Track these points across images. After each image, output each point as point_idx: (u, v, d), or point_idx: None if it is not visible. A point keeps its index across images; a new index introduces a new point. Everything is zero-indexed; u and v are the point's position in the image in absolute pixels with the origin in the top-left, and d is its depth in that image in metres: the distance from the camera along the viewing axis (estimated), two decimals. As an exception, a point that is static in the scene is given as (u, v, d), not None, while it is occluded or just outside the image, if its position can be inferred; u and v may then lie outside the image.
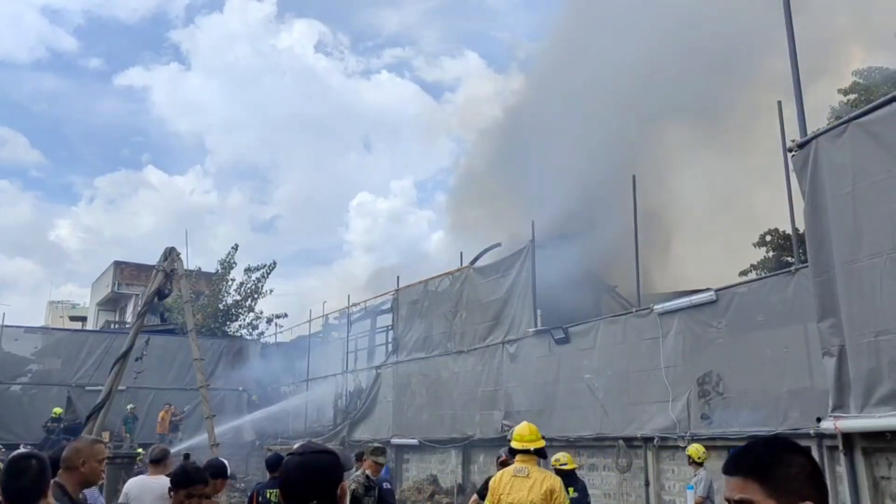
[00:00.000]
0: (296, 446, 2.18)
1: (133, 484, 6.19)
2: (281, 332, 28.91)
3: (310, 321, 25.70)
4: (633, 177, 12.89)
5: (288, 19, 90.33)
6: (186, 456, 8.01)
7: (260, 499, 6.73)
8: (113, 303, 37.91)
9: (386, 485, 6.98)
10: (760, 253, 19.91)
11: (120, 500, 6.08)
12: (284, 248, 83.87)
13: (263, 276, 29.93)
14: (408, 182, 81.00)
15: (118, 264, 36.26)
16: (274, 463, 7.03)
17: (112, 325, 35.17)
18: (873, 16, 16.96)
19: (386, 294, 20.88)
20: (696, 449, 9.26)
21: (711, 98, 17.64)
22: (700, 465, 9.13)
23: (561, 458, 8.26)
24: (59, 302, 48.01)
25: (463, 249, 17.94)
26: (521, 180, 21.04)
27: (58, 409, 21.63)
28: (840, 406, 7.08)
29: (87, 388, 22.36)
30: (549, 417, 13.05)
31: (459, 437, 15.89)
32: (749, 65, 16.79)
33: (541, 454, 5.74)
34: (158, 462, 6.24)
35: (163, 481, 5.99)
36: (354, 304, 22.57)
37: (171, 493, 4.31)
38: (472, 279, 16.73)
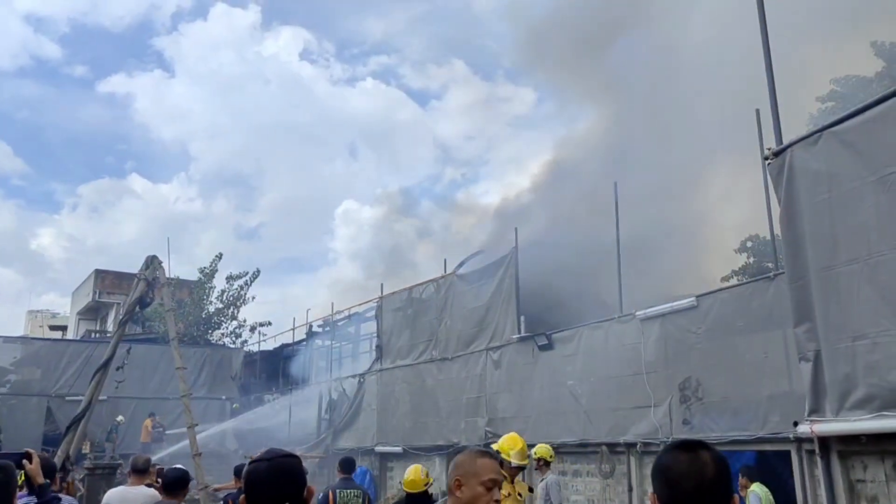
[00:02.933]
0: (259, 453, 2.23)
1: (113, 494, 6.14)
2: (264, 341, 28.78)
3: (293, 329, 25.63)
4: (615, 184, 13.01)
5: (273, 27, 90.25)
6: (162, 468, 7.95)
7: None
8: (94, 312, 37.52)
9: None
10: (742, 259, 20.17)
11: (100, 511, 6.03)
12: (269, 256, 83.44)
13: (246, 284, 29.82)
14: (394, 189, 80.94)
15: (99, 273, 35.93)
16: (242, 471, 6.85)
17: (93, 335, 34.77)
18: (851, 26, 17.25)
19: (370, 301, 20.86)
20: (546, 449, 8.85)
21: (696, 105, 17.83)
22: (548, 466, 8.76)
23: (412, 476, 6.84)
24: (38, 311, 47.45)
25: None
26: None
27: None
28: (816, 410, 7.17)
29: (68, 398, 22.11)
30: (533, 424, 13.09)
31: (444, 444, 15.87)
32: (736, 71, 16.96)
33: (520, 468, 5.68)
34: (140, 472, 6.21)
35: (143, 491, 5.96)
36: (338, 312, 22.53)
37: None
38: (455, 286, 16.75)
